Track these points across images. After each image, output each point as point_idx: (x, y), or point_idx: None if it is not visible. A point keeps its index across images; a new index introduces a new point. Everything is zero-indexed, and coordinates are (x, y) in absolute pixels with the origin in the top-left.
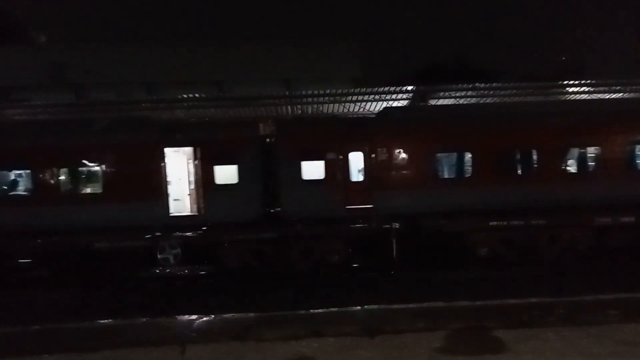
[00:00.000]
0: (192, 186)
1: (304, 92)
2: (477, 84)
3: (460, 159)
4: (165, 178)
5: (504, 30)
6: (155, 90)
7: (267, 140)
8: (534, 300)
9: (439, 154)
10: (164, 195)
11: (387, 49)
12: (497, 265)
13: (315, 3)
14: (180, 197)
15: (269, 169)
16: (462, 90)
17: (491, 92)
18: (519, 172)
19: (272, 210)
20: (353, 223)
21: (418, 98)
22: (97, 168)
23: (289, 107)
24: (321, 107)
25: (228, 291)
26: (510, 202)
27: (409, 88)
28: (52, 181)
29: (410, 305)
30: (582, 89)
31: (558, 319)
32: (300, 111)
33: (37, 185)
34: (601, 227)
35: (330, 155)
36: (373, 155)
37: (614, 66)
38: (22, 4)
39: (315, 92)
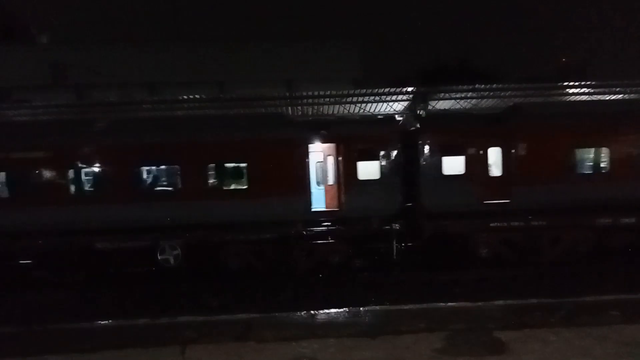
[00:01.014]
0: (331, 182)
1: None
2: (477, 85)
3: (598, 154)
4: (309, 174)
5: (505, 31)
6: (156, 90)
7: (408, 135)
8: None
9: (577, 149)
10: (307, 191)
11: (388, 50)
12: None
13: (316, 4)
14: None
15: (408, 164)
16: (462, 91)
17: (492, 93)
18: None
19: (410, 205)
20: (493, 218)
21: (418, 99)
22: (243, 164)
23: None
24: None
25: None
26: None
27: (409, 89)
28: (199, 177)
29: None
30: (584, 90)
31: (559, 320)
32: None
33: (185, 180)
34: None
35: (471, 151)
36: (512, 151)
37: (616, 67)
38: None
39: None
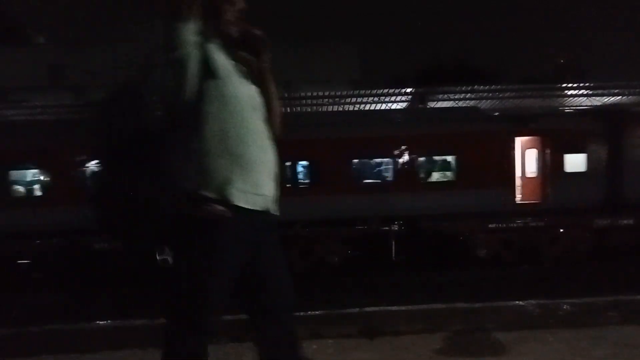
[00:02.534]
0: (531, 174)
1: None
2: (476, 86)
3: None
4: (514, 167)
5: (504, 31)
6: None
7: (613, 129)
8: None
9: None
10: (512, 183)
11: (386, 50)
12: None
13: (314, 4)
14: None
15: (612, 157)
16: (460, 92)
17: (490, 94)
18: None
19: (611, 197)
20: None
21: (417, 100)
22: (451, 157)
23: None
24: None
25: None
26: None
27: (408, 90)
28: (408, 169)
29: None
30: (582, 91)
31: (557, 321)
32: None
33: (397, 172)
34: None
35: None
36: None
37: (613, 68)
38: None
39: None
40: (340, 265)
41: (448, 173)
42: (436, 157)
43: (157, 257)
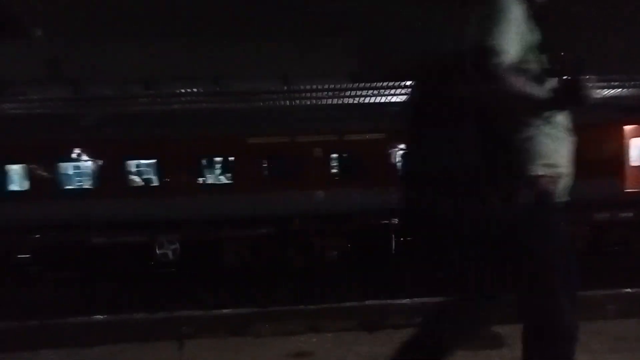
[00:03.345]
0: (636, 163)
1: None
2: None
3: None
4: (623, 156)
5: None
6: (153, 85)
7: None
8: None
9: None
10: (623, 172)
11: (385, 43)
12: None
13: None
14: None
15: None
16: None
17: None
18: None
19: None
20: None
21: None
22: None
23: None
24: None
25: None
26: None
27: (408, 83)
28: None
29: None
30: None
31: None
32: None
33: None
34: None
35: None
36: None
37: (613, 63)
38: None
39: None
40: (339, 259)
41: None
42: None
43: (157, 251)
